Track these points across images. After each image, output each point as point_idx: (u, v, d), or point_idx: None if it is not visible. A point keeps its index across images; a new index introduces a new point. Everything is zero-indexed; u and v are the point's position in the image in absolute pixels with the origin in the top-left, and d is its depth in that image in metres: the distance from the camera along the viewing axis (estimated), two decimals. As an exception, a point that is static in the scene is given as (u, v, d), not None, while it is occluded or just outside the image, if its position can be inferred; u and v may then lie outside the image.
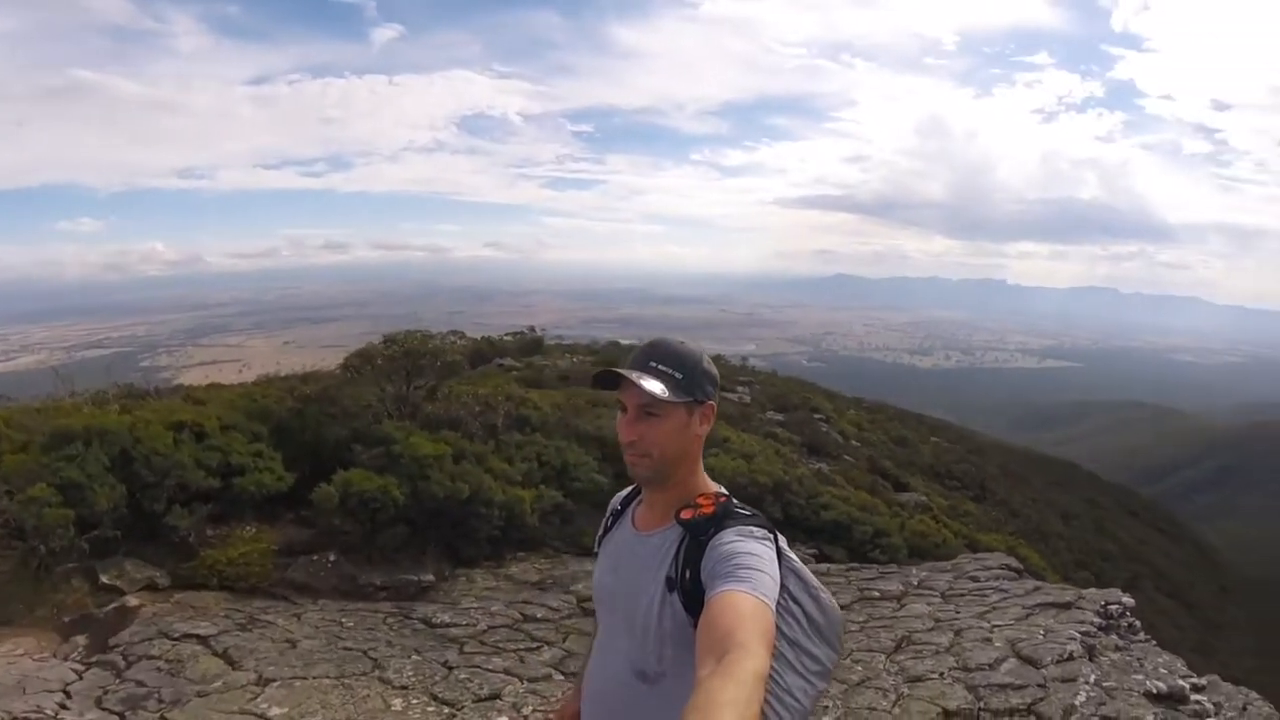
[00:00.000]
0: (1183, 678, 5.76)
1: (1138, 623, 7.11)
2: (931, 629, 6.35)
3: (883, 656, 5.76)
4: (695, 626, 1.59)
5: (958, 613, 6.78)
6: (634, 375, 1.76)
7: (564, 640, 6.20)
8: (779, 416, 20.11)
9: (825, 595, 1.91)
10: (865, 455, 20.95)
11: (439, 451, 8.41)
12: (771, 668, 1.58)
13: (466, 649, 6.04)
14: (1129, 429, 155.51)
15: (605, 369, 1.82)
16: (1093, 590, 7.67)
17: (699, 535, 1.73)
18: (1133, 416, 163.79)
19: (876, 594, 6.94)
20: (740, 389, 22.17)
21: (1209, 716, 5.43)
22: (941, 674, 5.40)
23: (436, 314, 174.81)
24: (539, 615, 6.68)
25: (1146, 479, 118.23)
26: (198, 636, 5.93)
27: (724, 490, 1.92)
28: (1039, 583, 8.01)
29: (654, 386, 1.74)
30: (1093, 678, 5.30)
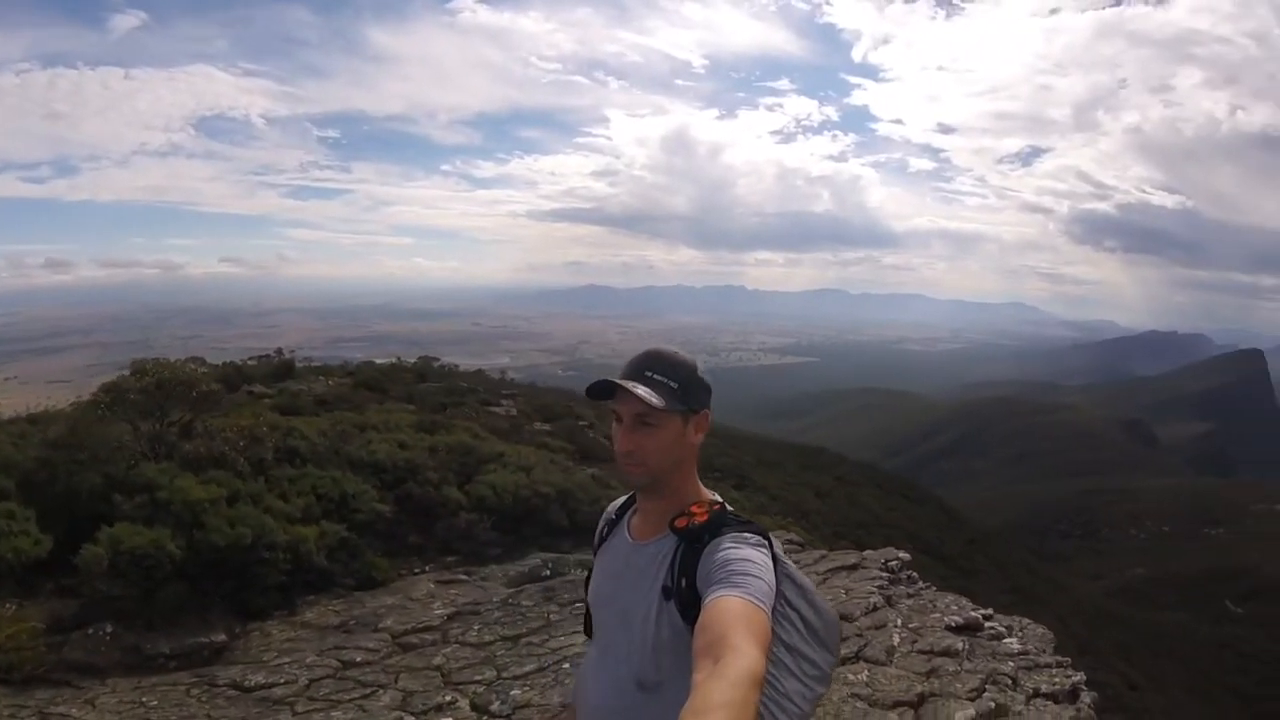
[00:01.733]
0: (972, 611, 6.29)
1: (915, 574, 7.63)
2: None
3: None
4: (691, 633, 1.58)
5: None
6: (630, 385, 1.77)
7: (396, 681, 5.78)
8: (547, 427, 20.05)
9: (822, 600, 1.93)
10: (635, 456, 21.30)
11: (211, 495, 7.53)
12: (770, 673, 1.62)
13: (298, 708, 5.51)
14: (867, 412, 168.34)
15: (602, 379, 1.81)
16: (871, 551, 8.15)
17: (694, 543, 1.74)
18: (870, 401, 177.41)
19: None
20: (505, 402, 21.96)
21: (1005, 637, 5.99)
22: None
23: (171, 339, 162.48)
24: (359, 660, 6.17)
25: (888, 454, 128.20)
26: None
27: (719, 498, 1.92)
28: (824, 551, 8.39)
29: (651, 396, 1.74)
30: (899, 621, 5.77)
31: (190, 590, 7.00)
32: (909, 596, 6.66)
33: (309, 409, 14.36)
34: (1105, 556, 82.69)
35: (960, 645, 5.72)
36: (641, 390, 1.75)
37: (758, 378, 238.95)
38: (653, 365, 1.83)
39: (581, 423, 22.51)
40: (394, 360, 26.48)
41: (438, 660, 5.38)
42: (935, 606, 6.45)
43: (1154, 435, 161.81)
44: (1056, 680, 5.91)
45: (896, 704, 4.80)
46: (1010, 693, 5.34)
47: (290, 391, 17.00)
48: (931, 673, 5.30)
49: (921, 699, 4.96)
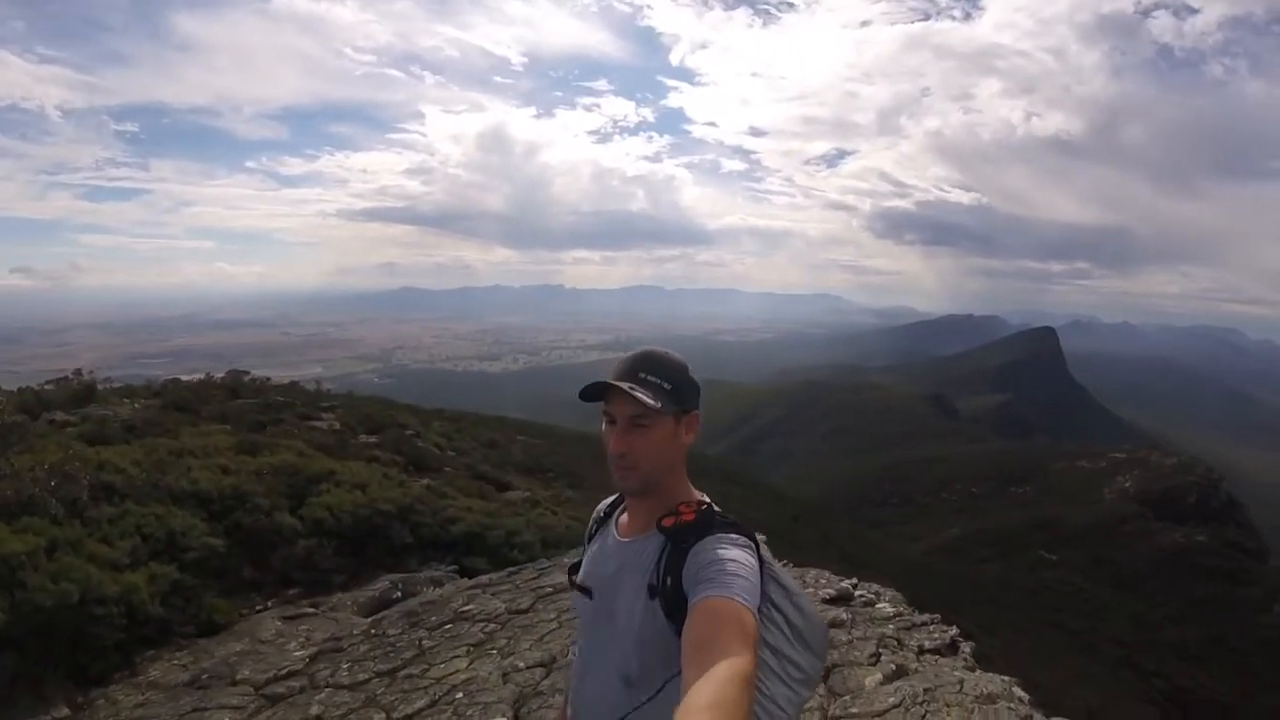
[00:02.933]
0: (841, 582, 6.56)
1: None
2: None
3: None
4: (677, 633, 1.61)
5: None
6: (625, 386, 1.76)
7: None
8: (373, 439, 19.40)
9: (808, 603, 1.93)
10: (463, 464, 20.94)
11: (29, 546, 6.50)
12: (756, 675, 1.57)
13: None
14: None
15: (597, 380, 1.80)
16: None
17: (681, 543, 1.74)
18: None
19: (550, 589, 6.83)
20: (326, 415, 21.09)
21: (877, 603, 6.26)
22: None
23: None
24: (226, 720, 5.70)
25: (710, 442, 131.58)
26: None
27: (706, 498, 1.91)
28: None
29: (647, 397, 1.74)
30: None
31: (20, 660, 6.06)
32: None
33: (118, 437, 13.27)
34: (921, 520, 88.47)
35: (844, 615, 5.95)
36: (637, 392, 1.75)
37: (580, 375, 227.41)
38: (646, 366, 1.82)
39: (408, 431, 21.99)
40: (202, 377, 24.98)
41: (315, 710, 4.91)
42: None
43: (955, 408, 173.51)
44: (935, 636, 6.19)
45: None
46: (902, 653, 5.57)
47: (95, 418, 15.64)
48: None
49: (827, 671, 5.06)
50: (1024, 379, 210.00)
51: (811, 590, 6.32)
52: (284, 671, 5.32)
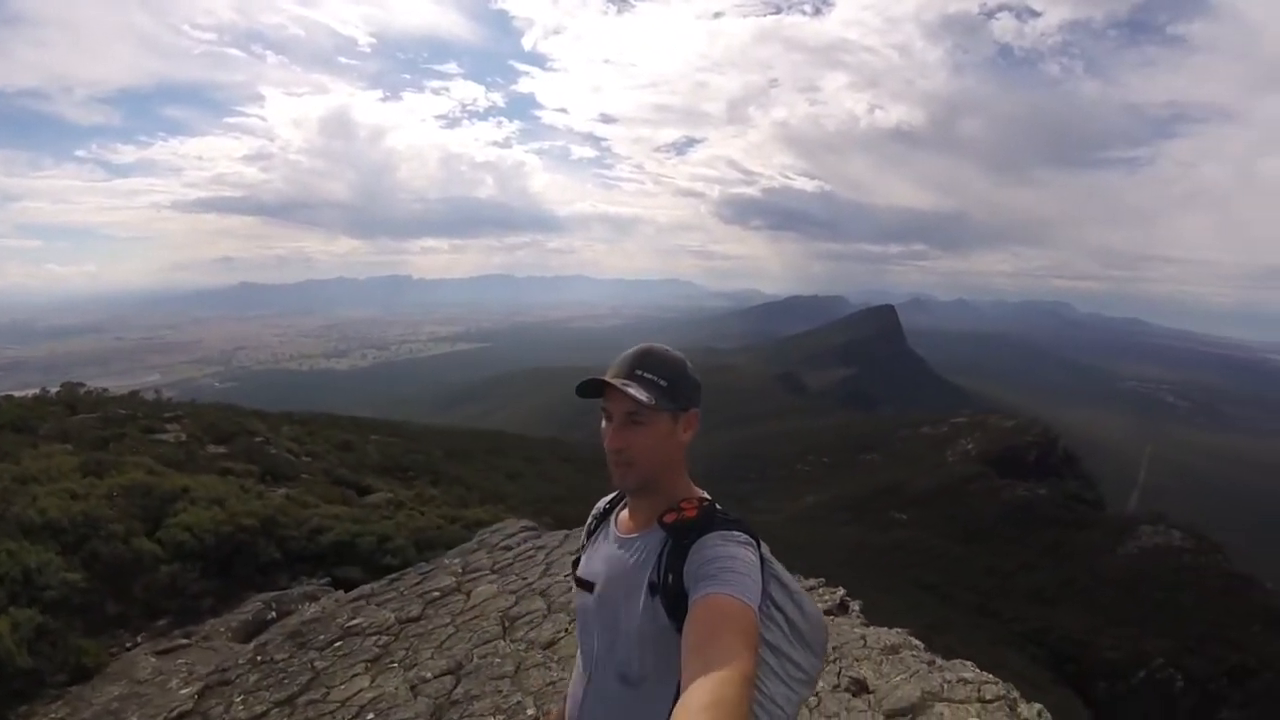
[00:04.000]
0: None
1: None
2: (519, 597, 6.47)
3: (504, 640, 5.74)
4: (678, 631, 1.60)
5: (527, 578, 6.94)
6: (620, 383, 1.77)
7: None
8: (222, 449, 18.57)
9: (809, 602, 1.91)
10: (319, 469, 20.37)
11: None
12: (756, 674, 1.56)
13: None
14: (541, 390, 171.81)
15: (592, 377, 1.80)
16: None
17: (682, 539, 1.72)
18: (543, 380, 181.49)
19: (437, 593, 6.70)
20: (171, 426, 20.04)
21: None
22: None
23: None
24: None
25: (567, 428, 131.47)
26: None
27: (707, 495, 1.90)
28: (565, 531, 8.43)
29: (641, 394, 1.75)
30: None
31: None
32: None
33: (-53, 469, 12.38)
34: (779, 491, 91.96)
35: None
36: (632, 389, 1.76)
37: (431, 368, 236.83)
38: (643, 363, 1.83)
39: (258, 439, 21.19)
40: (37, 392, 23.45)
41: (218, 752, 4.65)
42: None
43: (804, 384, 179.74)
44: (825, 598, 6.36)
45: None
46: None
47: (-81, 449, 14.55)
48: None
49: None
50: (867, 354, 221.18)
51: None
52: (174, 713, 4.96)
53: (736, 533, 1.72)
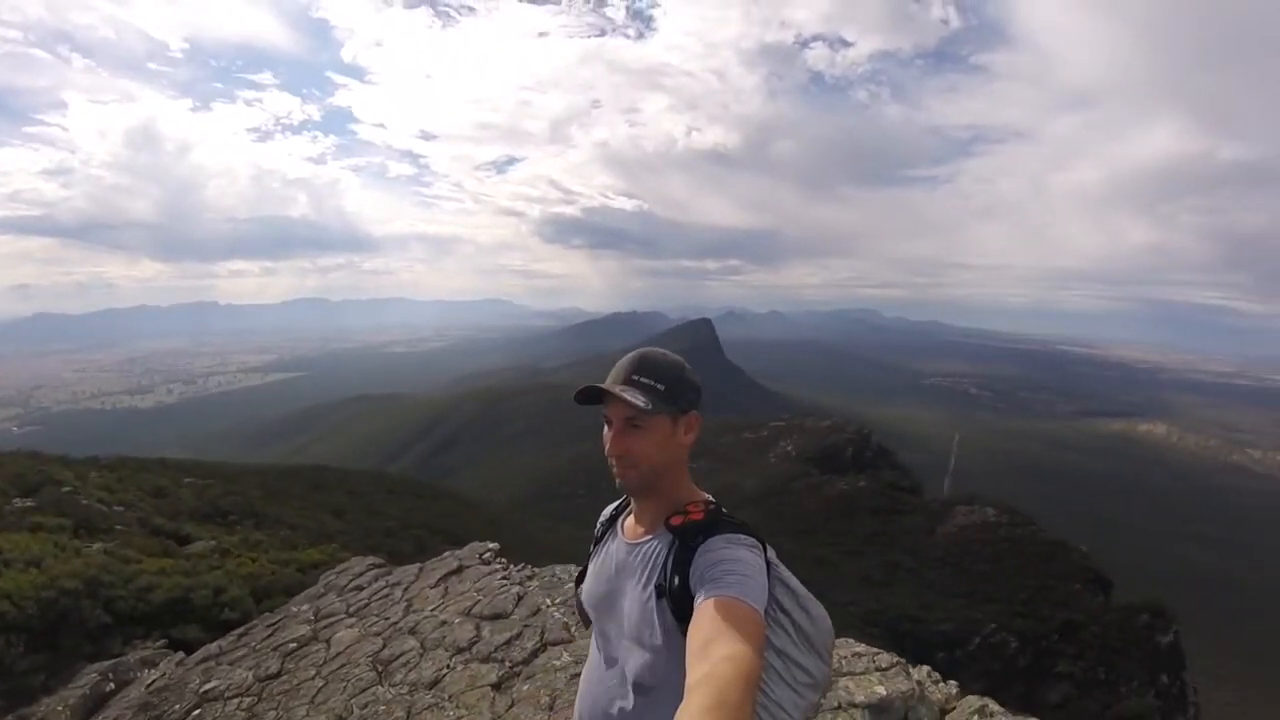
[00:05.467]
0: None
1: (504, 559, 7.92)
2: (386, 640, 6.22)
3: (383, 686, 5.49)
4: (684, 634, 1.60)
5: (389, 617, 6.69)
6: (617, 389, 1.80)
7: None
8: (30, 502, 17.21)
9: (815, 607, 1.91)
10: (134, 518, 19.16)
11: None
12: (760, 678, 1.60)
13: None
14: (361, 420, 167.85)
15: (590, 385, 1.83)
16: (461, 551, 8.12)
17: (688, 542, 1.74)
18: (362, 409, 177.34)
19: (294, 644, 6.35)
20: (-30, 482, 18.49)
21: None
22: (461, 663, 5.46)
23: None
24: None
25: (389, 459, 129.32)
26: None
27: (712, 498, 1.92)
28: (419, 565, 8.20)
29: (637, 399, 1.77)
30: (548, 602, 6.08)
31: None
32: (529, 579, 6.87)
33: None
34: (612, 503, 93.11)
35: None
36: (629, 394, 1.78)
37: (243, 402, 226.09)
38: (640, 368, 1.85)
39: (66, 489, 19.79)
40: None
41: None
42: (561, 578, 6.65)
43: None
44: None
45: None
46: None
47: None
48: None
49: None
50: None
51: (571, 585, 6.49)
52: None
53: (742, 535, 1.74)
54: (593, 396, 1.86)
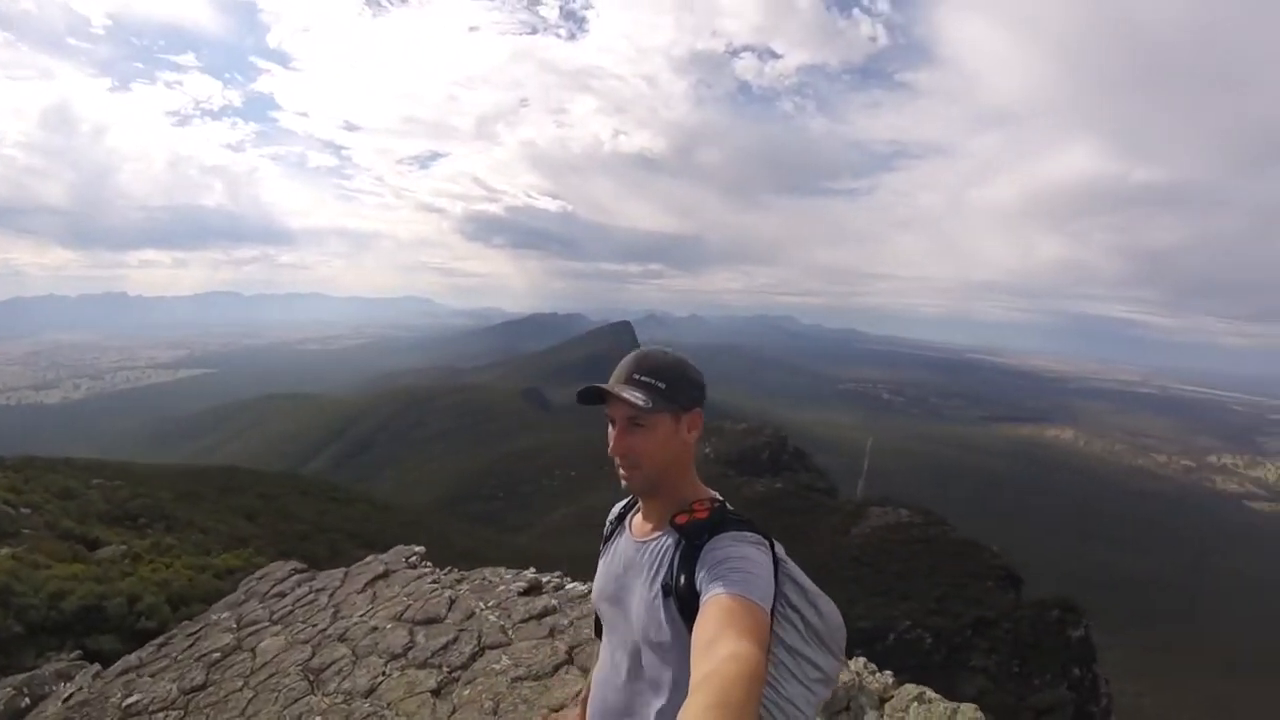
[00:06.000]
0: (528, 573, 6.72)
1: (427, 561, 7.85)
2: (315, 648, 6.04)
3: (316, 696, 5.33)
4: (690, 633, 1.58)
5: (317, 624, 6.53)
6: (617, 389, 1.80)
7: None
8: (-68, 507, 16.61)
9: (826, 603, 1.89)
10: (42, 522, 18.52)
11: None
12: (771, 675, 1.66)
13: None
14: (273, 420, 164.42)
15: (591, 385, 1.84)
16: (387, 555, 8.02)
17: (694, 540, 1.73)
18: (274, 408, 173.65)
19: (218, 654, 6.20)
20: None
21: (567, 583, 6.49)
22: (397, 670, 5.37)
23: None
24: None
25: (302, 460, 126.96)
26: None
27: (719, 496, 1.92)
28: (344, 569, 8.02)
29: (637, 398, 1.77)
30: (482, 605, 6.00)
31: None
32: (459, 582, 6.79)
33: None
34: (530, 508, 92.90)
35: (553, 603, 5.97)
36: (628, 393, 1.78)
37: (152, 399, 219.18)
38: (640, 367, 1.85)
39: (-40, 495, 19.02)
40: None
41: None
42: (493, 581, 6.62)
43: (547, 400, 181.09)
44: None
45: (557, 667, 4.93)
46: None
47: None
48: (554, 631, 5.51)
49: (570, 651, 5.14)
50: (607, 369, 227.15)
51: (505, 589, 6.37)
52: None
53: (748, 533, 1.73)
54: (594, 397, 1.88)
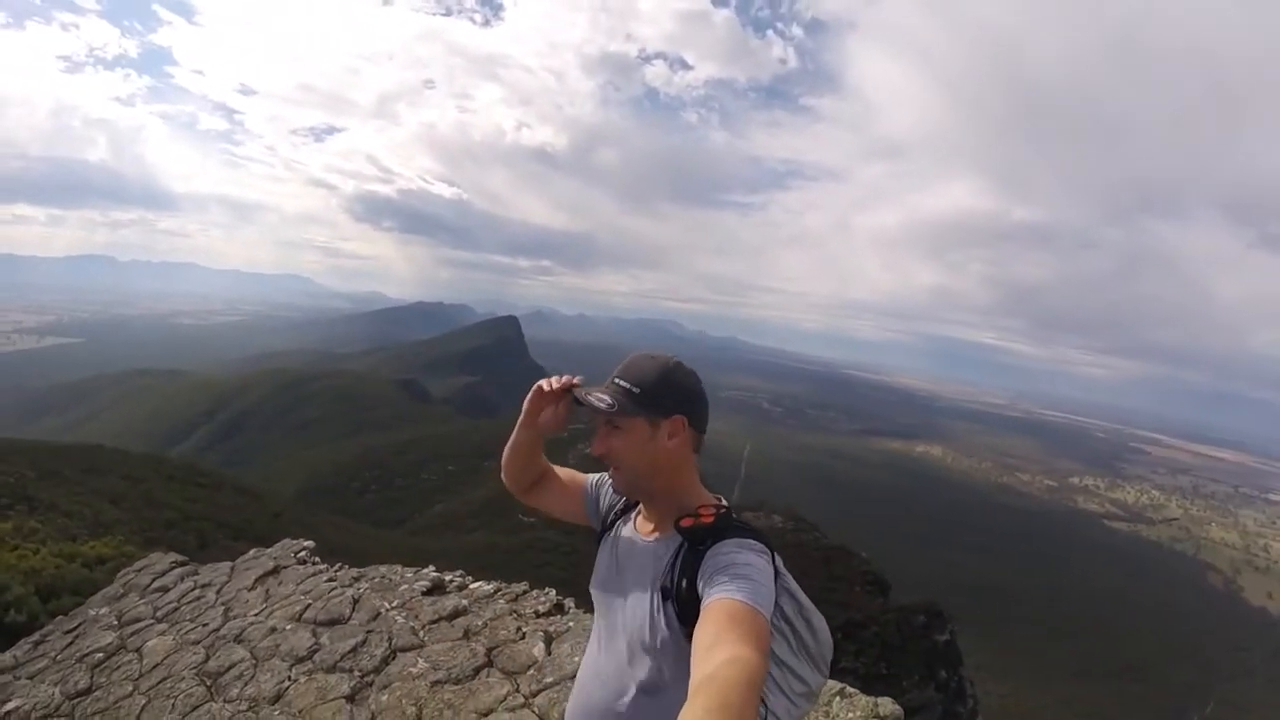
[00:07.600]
0: (429, 572, 6.51)
1: (316, 556, 7.49)
2: (209, 649, 5.64)
3: (217, 703, 4.94)
4: (688, 637, 1.58)
5: (208, 624, 6.11)
6: (587, 391, 1.89)
7: None
8: None
9: (817, 619, 1.92)
10: (-111, 502, 17.40)
11: None
12: (764, 680, 1.62)
13: None
14: (141, 397, 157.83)
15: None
16: (274, 549, 7.61)
17: (697, 544, 1.74)
18: (143, 384, 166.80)
19: (100, 654, 5.82)
20: None
21: (471, 582, 6.27)
22: (304, 674, 5.06)
23: None
24: None
25: (170, 441, 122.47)
26: None
27: (725, 502, 1.93)
28: (230, 562, 7.59)
29: (602, 401, 1.83)
30: (388, 605, 5.74)
31: None
32: (358, 580, 6.51)
33: None
34: (405, 502, 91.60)
35: (463, 603, 5.76)
36: (594, 396, 1.85)
37: (15, 367, 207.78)
38: (623, 371, 1.88)
39: None
40: None
41: None
42: (393, 581, 6.35)
43: (426, 391, 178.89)
44: (541, 601, 5.98)
45: (478, 670, 4.74)
46: (536, 621, 5.41)
47: None
48: (469, 633, 5.28)
49: (489, 653, 4.96)
50: (489, 363, 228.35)
51: (408, 588, 6.13)
52: None
53: (752, 540, 1.74)
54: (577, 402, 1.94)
